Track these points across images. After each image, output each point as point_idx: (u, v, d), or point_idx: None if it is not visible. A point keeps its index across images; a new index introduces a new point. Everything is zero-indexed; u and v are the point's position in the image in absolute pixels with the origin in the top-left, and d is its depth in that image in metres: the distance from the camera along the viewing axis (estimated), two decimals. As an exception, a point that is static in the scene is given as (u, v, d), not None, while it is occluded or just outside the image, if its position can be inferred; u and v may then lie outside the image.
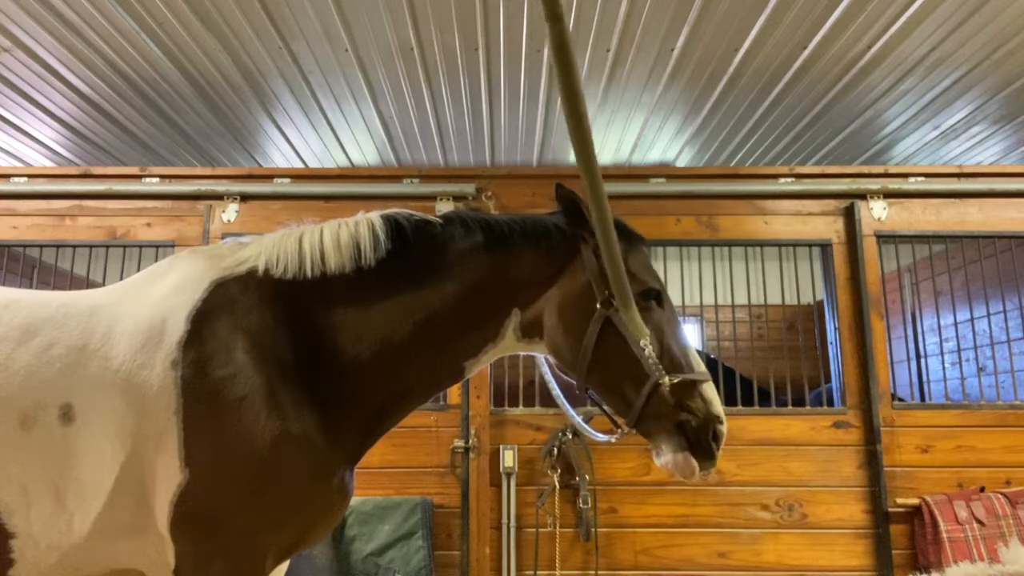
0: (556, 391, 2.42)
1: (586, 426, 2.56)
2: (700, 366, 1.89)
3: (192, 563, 1.60)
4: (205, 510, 1.59)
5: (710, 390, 1.85)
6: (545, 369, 2.39)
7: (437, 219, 1.97)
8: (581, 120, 1.40)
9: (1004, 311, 4.71)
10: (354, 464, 1.88)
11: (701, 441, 1.80)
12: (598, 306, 1.85)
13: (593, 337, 1.85)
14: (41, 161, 5.27)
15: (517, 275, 1.94)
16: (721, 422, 1.83)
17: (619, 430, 2.00)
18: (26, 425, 1.58)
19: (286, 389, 1.68)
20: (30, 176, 4.46)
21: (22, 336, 1.65)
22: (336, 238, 1.89)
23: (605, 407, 2.00)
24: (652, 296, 1.92)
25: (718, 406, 1.84)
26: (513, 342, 1.99)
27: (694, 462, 1.80)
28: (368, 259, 1.86)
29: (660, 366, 1.80)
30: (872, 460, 3.96)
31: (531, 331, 1.97)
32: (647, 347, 1.80)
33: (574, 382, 1.97)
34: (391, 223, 1.93)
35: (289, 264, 1.84)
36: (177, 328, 1.68)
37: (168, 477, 1.60)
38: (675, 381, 1.80)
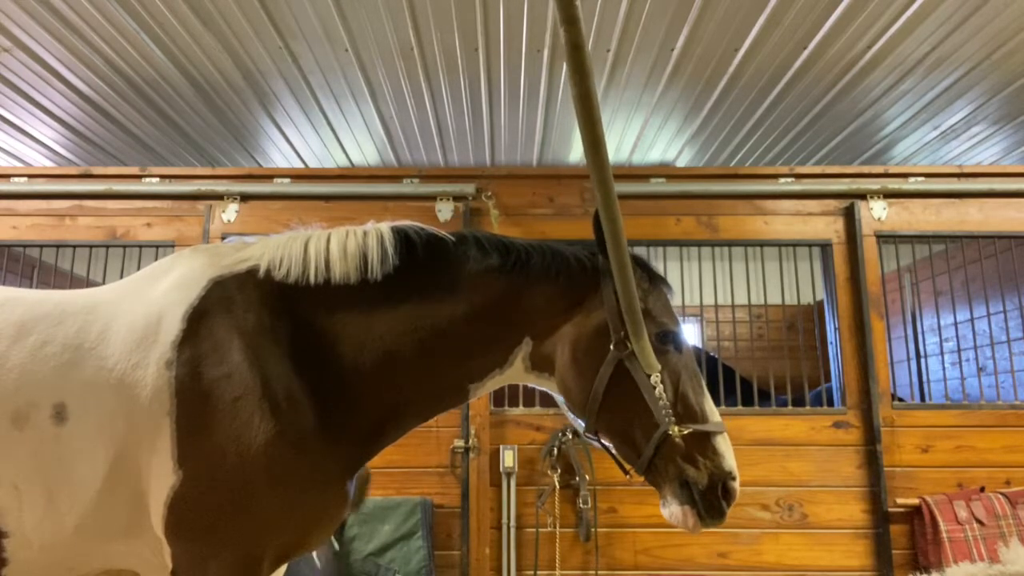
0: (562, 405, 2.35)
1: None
2: (715, 416, 1.80)
3: (188, 565, 1.59)
4: (199, 512, 1.57)
5: (724, 443, 1.77)
6: None
7: (450, 236, 1.92)
8: (596, 126, 1.36)
9: (1004, 311, 4.70)
10: (353, 473, 1.84)
11: (709, 499, 1.74)
12: (612, 348, 1.77)
13: (604, 380, 1.78)
14: (41, 161, 5.27)
15: (531, 304, 1.87)
16: (734, 478, 1.75)
17: (628, 476, 1.91)
18: (19, 424, 1.56)
19: (282, 391, 1.65)
20: (30, 176, 4.46)
21: (17, 333, 1.63)
22: (343, 247, 1.84)
23: (614, 452, 1.92)
24: (670, 339, 1.85)
25: (731, 461, 1.76)
26: (522, 372, 1.93)
27: (694, 518, 1.74)
28: (375, 271, 1.82)
29: (671, 413, 1.74)
30: (872, 460, 3.96)
31: (542, 364, 1.90)
32: (658, 385, 1.73)
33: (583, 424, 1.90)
34: (400, 236, 1.88)
35: (292, 268, 1.80)
36: (173, 327, 1.66)
37: (162, 478, 1.58)
38: (685, 432, 1.73)
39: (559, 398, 2.03)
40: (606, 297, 1.82)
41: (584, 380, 1.82)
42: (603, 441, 1.90)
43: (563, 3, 1.23)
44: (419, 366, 1.82)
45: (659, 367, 1.75)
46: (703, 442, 1.75)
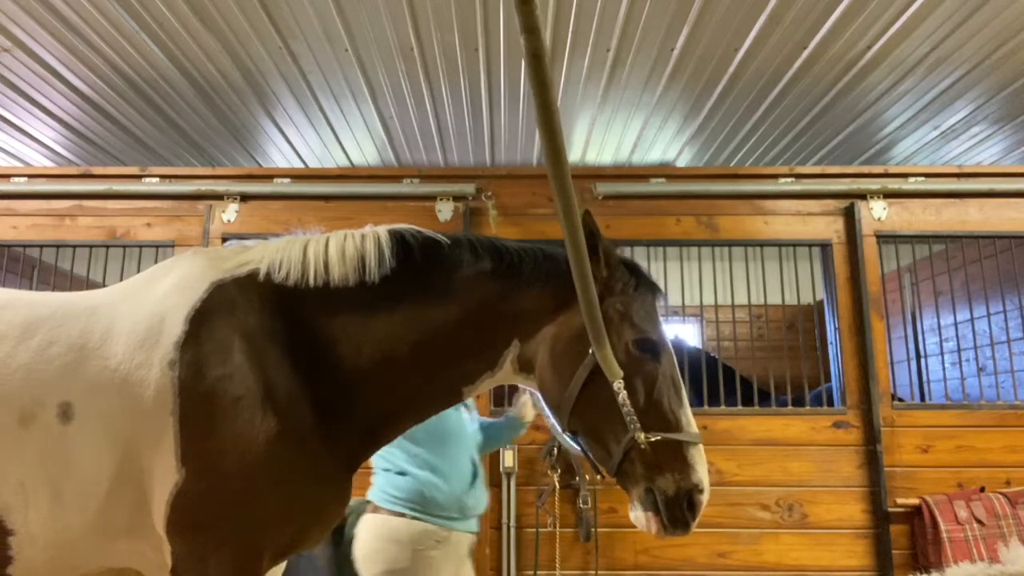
0: (542, 405, 2.37)
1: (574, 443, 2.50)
2: (691, 427, 1.79)
3: (188, 563, 1.60)
4: (200, 509, 1.59)
5: (696, 454, 1.75)
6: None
7: (445, 239, 1.93)
8: (556, 136, 1.37)
9: (1004, 311, 4.70)
10: (352, 472, 1.86)
11: (672, 510, 1.73)
12: (590, 351, 1.77)
13: (579, 381, 1.79)
14: (41, 161, 5.27)
15: (521, 307, 1.89)
16: (700, 491, 1.73)
17: (600, 477, 1.93)
18: (25, 422, 1.58)
19: (283, 391, 1.67)
20: (30, 176, 4.47)
21: (22, 334, 1.65)
22: (341, 250, 1.86)
23: (588, 452, 1.92)
24: (647, 347, 1.84)
25: (701, 473, 1.74)
26: (511, 373, 1.94)
27: (657, 525, 1.73)
28: (372, 274, 1.83)
29: (636, 420, 1.73)
30: (872, 460, 3.96)
31: (529, 366, 1.91)
32: (621, 392, 1.73)
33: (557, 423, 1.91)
34: (397, 239, 1.90)
35: (292, 270, 1.82)
36: (175, 328, 1.68)
37: (165, 477, 1.60)
38: (652, 439, 1.72)
39: (538, 399, 2.04)
40: None
41: (561, 380, 1.83)
42: (579, 442, 1.91)
43: (524, 12, 1.23)
44: (415, 368, 1.84)
45: (621, 374, 1.75)
46: (674, 451, 1.75)
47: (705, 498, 1.75)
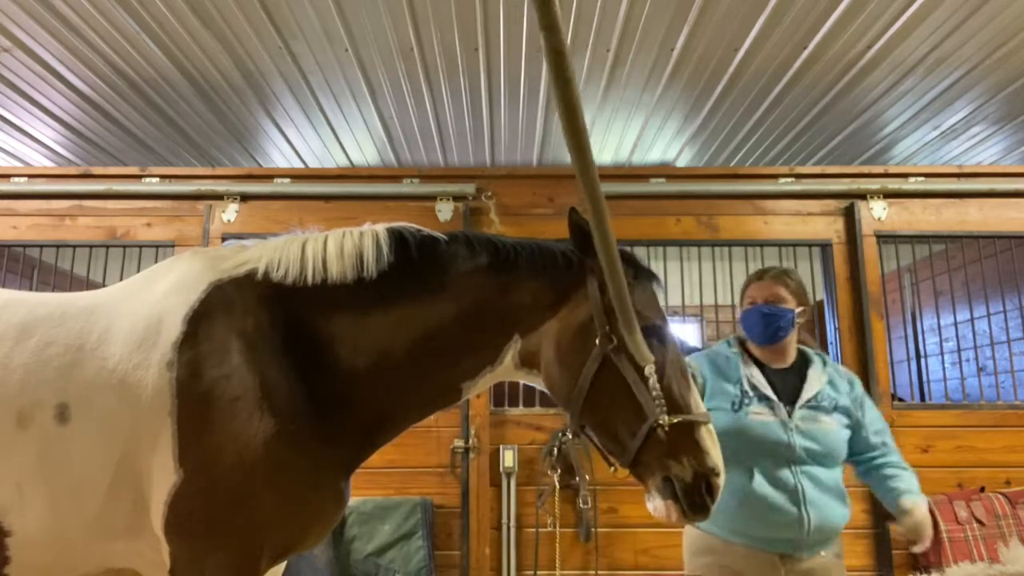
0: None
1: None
2: (700, 407, 1.80)
3: (186, 563, 1.60)
4: (198, 510, 1.58)
5: (709, 437, 1.76)
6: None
7: (443, 236, 1.94)
8: (580, 135, 1.36)
9: (1004, 311, 4.70)
10: (350, 472, 1.86)
11: (691, 496, 1.73)
12: (597, 342, 1.77)
13: (590, 375, 1.78)
14: (41, 161, 5.27)
15: (519, 301, 1.88)
16: (717, 474, 1.74)
17: (613, 469, 1.92)
18: (22, 424, 1.58)
19: (281, 392, 1.67)
20: (30, 176, 4.47)
21: (20, 335, 1.64)
22: (340, 247, 1.86)
23: (600, 445, 1.92)
24: (653, 333, 1.83)
25: (716, 456, 1.75)
26: (512, 369, 1.93)
27: (677, 513, 1.74)
28: (370, 271, 1.83)
29: (664, 405, 1.73)
30: (872, 460, 3.95)
31: (530, 361, 1.91)
32: (652, 376, 1.72)
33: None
34: (395, 236, 1.90)
35: (290, 269, 1.82)
36: (173, 329, 1.67)
37: (163, 478, 1.59)
38: (675, 421, 1.72)
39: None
40: (591, 292, 1.83)
41: (569, 374, 1.82)
42: (589, 434, 1.91)
43: (543, 10, 1.20)
44: (412, 366, 1.83)
45: (652, 359, 1.74)
46: (688, 437, 1.75)
47: (722, 480, 1.75)
